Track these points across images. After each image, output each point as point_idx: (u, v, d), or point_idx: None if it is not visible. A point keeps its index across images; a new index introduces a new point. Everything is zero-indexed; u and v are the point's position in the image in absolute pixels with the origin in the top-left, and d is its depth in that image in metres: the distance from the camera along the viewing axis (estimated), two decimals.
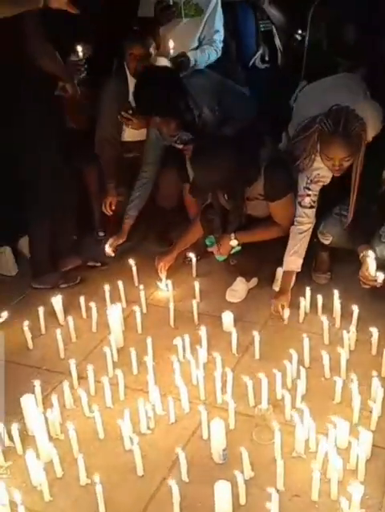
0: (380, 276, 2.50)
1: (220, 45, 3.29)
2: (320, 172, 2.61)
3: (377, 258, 2.62)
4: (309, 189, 2.63)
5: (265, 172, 2.58)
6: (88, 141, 3.21)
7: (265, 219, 2.72)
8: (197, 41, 3.25)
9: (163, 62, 3.11)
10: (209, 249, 2.77)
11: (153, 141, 3.06)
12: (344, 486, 1.78)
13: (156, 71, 2.93)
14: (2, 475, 1.95)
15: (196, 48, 3.23)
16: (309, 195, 2.63)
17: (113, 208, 3.21)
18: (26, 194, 2.91)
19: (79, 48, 2.95)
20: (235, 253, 2.74)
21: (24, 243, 3.19)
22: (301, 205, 2.65)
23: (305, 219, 2.66)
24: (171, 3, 3.17)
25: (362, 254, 2.66)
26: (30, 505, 1.81)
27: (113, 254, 3.14)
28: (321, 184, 2.64)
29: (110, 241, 3.15)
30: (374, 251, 2.62)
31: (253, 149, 2.58)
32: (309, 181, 2.62)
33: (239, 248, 2.71)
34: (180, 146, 2.94)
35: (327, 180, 2.64)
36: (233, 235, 2.69)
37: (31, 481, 1.90)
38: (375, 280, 2.50)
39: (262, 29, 3.62)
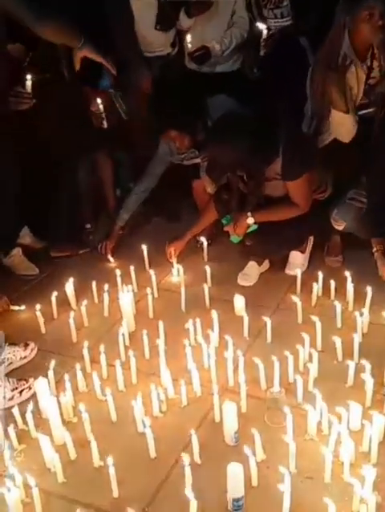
0: None
1: (247, 26, 3.19)
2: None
3: None
4: None
5: (283, 151, 2.55)
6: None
7: (281, 198, 2.70)
8: (227, 24, 3.16)
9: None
10: (225, 229, 2.75)
11: (161, 155, 3.08)
12: (356, 469, 1.78)
13: (180, 86, 2.93)
14: (16, 458, 1.97)
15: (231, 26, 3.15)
16: None
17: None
18: None
19: (29, 77, 2.70)
20: (251, 232, 2.71)
21: (24, 233, 3.14)
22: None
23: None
24: None
25: (374, 249, 2.66)
26: (44, 487, 1.83)
27: (112, 259, 3.13)
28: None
29: (104, 247, 3.17)
30: None
31: (271, 128, 2.56)
32: None
33: (255, 227, 2.68)
34: (188, 163, 3.02)
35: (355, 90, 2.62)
36: (249, 214, 2.67)
37: (45, 463, 1.93)
38: None
39: None
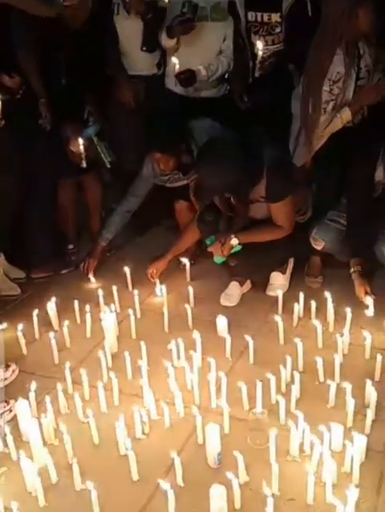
0: (369, 300, 2.64)
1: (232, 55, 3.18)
2: (339, 69, 2.62)
3: (381, 260, 2.69)
4: (332, 94, 2.65)
5: (268, 173, 2.60)
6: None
7: (265, 220, 2.73)
8: (216, 50, 3.16)
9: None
10: (209, 249, 2.77)
11: (144, 177, 3.09)
12: (339, 489, 1.79)
13: (166, 111, 3.01)
14: None
15: (219, 54, 3.17)
16: (333, 100, 2.66)
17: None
18: None
19: None
20: (235, 253, 2.73)
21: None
22: (325, 112, 2.68)
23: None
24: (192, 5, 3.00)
25: (352, 270, 2.71)
26: (26, 511, 1.80)
27: (93, 279, 3.13)
28: (340, 84, 2.64)
29: (86, 266, 3.16)
30: (380, 252, 2.66)
31: (256, 149, 2.60)
32: (331, 84, 2.63)
33: (239, 248, 2.70)
34: (171, 185, 3.05)
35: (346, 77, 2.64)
36: (233, 235, 2.69)
37: (26, 486, 1.90)
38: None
39: None
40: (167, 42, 3.12)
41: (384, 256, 2.68)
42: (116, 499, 1.86)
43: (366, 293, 2.69)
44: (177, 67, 3.11)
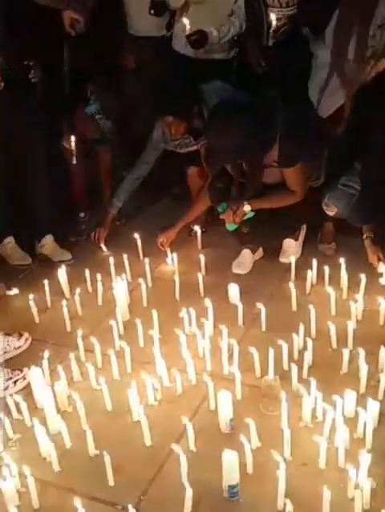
0: (382, 267, 2.59)
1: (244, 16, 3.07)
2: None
3: None
4: (374, 39, 2.59)
5: (280, 138, 2.54)
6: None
7: (277, 186, 2.69)
8: (228, 11, 3.06)
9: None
10: (221, 217, 2.73)
11: (154, 142, 3.05)
12: (351, 455, 1.78)
13: (176, 73, 2.92)
14: (11, 447, 1.96)
15: (231, 15, 3.06)
16: (373, 46, 2.60)
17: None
18: None
19: None
20: (248, 219, 2.70)
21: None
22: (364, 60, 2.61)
23: None
24: None
25: (364, 236, 2.66)
26: (40, 476, 1.82)
27: (105, 248, 3.11)
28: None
29: (97, 235, 3.13)
30: None
31: (268, 113, 2.54)
32: (375, 29, 2.57)
33: (252, 214, 2.66)
34: (183, 151, 2.99)
35: None
36: (246, 201, 2.65)
37: (40, 452, 1.92)
38: None
39: None
40: (175, 1, 3.03)
41: None
42: (129, 464, 1.88)
43: (380, 260, 2.64)
44: (188, 27, 3.00)
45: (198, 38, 2.98)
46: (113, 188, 3.35)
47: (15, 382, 2.20)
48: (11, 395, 2.09)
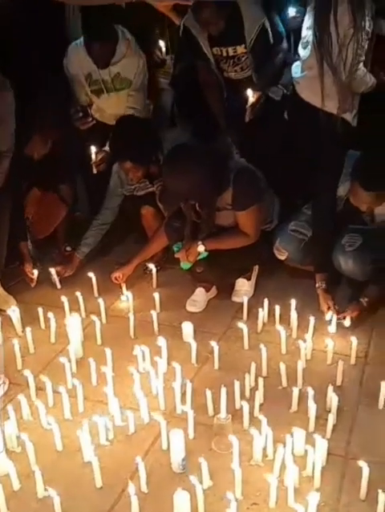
0: (329, 316, 2.66)
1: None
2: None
3: (342, 270, 2.71)
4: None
5: (234, 181, 2.62)
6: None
7: (232, 228, 2.76)
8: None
9: None
10: (176, 256, 2.78)
11: (112, 189, 3.14)
12: (300, 494, 1.82)
13: (136, 121, 3.02)
14: None
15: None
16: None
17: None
18: None
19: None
20: (201, 259, 2.76)
21: None
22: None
23: None
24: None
25: (317, 285, 2.75)
26: None
27: (59, 285, 3.10)
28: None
29: (58, 269, 3.12)
30: (338, 262, 2.70)
31: (223, 158, 2.62)
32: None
33: (206, 254, 2.72)
34: (140, 193, 3.09)
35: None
36: (200, 242, 2.71)
37: None
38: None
39: None
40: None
41: (341, 266, 2.73)
42: (80, 506, 1.84)
43: (329, 308, 2.70)
44: None
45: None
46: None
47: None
48: None
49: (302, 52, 2.85)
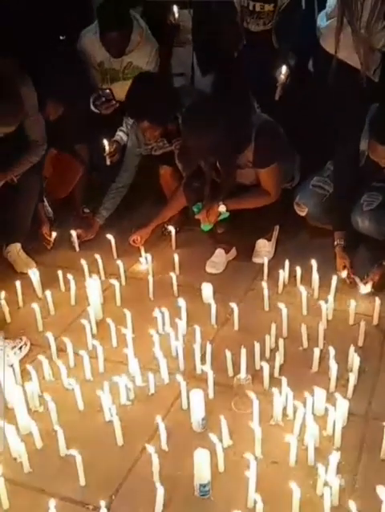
0: (344, 274, 2.62)
1: None
2: None
3: (359, 229, 2.65)
4: None
5: (256, 138, 2.56)
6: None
7: (253, 186, 2.71)
8: None
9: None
10: (196, 217, 2.74)
11: (130, 149, 3.08)
12: (321, 453, 1.82)
13: (154, 78, 2.95)
14: None
15: None
16: None
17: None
18: None
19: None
20: (222, 220, 2.71)
21: None
22: None
23: None
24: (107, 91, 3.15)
25: (335, 243, 2.69)
26: (10, 476, 1.81)
27: (78, 248, 3.08)
28: None
29: (78, 232, 3.10)
30: (356, 222, 2.64)
31: (244, 114, 2.56)
32: None
33: (227, 214, 2.68)
34: (157, 153, 3.02)
35: None
36: (221, 202, 2.66)
37: (11, 452, 1.91)
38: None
39: None
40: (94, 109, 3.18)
41: (358, 225, 2.67)
42: (101, 464, 1.88)
43: (345, 267, 2.66)
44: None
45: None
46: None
47: (20, 348, 2.31)
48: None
49: (330, 1, 2.75)
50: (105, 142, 3.10)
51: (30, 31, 2.95)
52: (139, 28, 3.12)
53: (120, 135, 3.18)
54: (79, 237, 3.10)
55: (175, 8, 3.40)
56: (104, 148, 3.10)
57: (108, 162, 3.14)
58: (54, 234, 3.08)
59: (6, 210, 2.84)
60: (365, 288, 2.55)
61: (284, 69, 2.97)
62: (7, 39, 2.82)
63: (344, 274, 2.63)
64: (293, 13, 2.96)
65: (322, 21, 2.82)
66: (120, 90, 3.12)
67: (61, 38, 3.32)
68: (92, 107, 3.16)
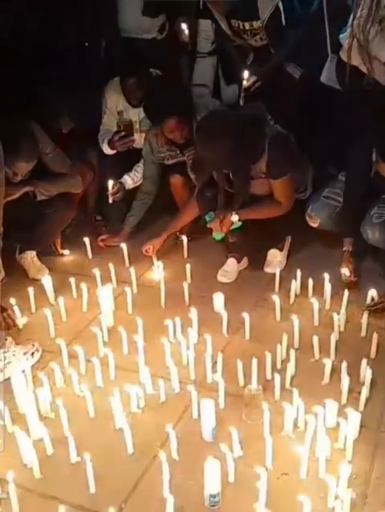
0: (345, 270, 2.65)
1: None
2: None
3: (369, 240, 2.65)
4: None
5: (269, 149, 2.57)
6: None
7: (265, 197, 2.71)
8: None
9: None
10: (209, 225, 2.75)
11: (146, 157, 3.14)
12: (332, 465, 1.80)
13: (170, 81, 3.07)
14: None
15: None
16: None
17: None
18: None
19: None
20: (235, 229, 2.72)
21: None
22: None
23: None
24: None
25: (344, 249, 2.69)
26: (21, 482, 1.81)
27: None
28: None
29: (106, 237, 3.18)
30: (366, 233, 2.64)
31: (258, 125, 2.57)
32: None
33: (239, 224, 2.69)
34: (169, 162, 3.06)
35: None
36: (234, 211, 2.67)
37: (22, 459, 1.91)
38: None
39: None
40: (107, 151, 3.27)
41: (368, 236, 2.67)
42: (111, 472, 1.87)
43: (348, 267, 2.69)
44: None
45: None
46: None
47: (32, 354, 2.33)
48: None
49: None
50: (110, 182, 3.19)
51: (52, 37, 3.04)
52: None
53: (126, 178, 3.26)
54: (105, 242, 3.16)
55: (183, 25, 3.46)
56: (107, 188, 3.20)
57: (110, 200, 3.23)
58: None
59: (37, 221, 2.89)
60: None
61: (246, 74, 3.07)
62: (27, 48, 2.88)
63: (346, 271, 2.65)
64: (277, 27, 3.03)
65: (343, 33, 2.83)
66: (137, 141, 3.24)
67: (86, 44, 3.39)
68: (105, 148, 3.25)
